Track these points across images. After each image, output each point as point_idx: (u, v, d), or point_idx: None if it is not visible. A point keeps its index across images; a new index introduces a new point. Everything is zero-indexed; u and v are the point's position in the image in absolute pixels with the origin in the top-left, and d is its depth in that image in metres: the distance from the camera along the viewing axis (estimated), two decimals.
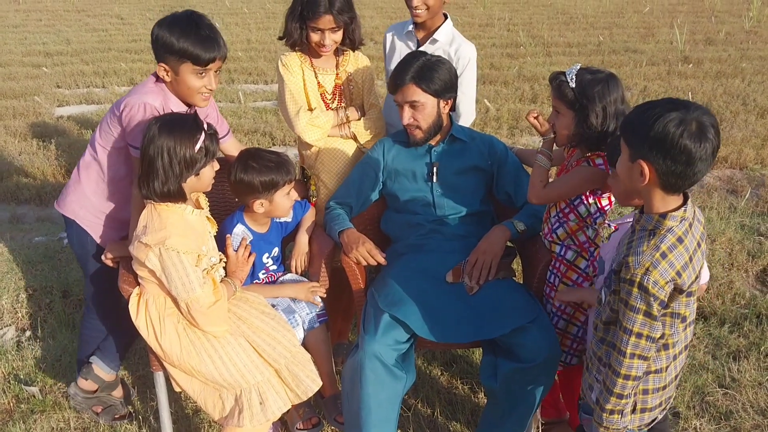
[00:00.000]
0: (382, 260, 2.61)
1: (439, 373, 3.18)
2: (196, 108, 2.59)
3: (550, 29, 11.59)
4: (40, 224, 4.65)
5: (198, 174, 2.32)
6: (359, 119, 3.01)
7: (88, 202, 2.68)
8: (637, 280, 1.76)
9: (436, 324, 2.41)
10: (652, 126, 1.71)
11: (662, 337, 1.86)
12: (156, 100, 2.46)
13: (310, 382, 2.46)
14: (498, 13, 13.23)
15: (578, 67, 2.39)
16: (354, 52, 3.02)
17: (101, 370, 2.84)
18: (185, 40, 2.40)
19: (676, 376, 1.99)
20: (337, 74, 3.00)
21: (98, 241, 2.71)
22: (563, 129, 2.41)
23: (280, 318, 2.53)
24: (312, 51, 2.93)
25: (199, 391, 2.43)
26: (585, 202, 2.44)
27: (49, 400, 2.99)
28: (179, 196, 2.30)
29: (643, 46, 10.16)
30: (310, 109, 2.94)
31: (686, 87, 7.75)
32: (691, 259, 1.80)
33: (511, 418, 2.44)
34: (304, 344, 2.58)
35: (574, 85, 2.35)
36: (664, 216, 1.80)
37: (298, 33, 2.85)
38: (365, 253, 2.60)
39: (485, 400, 2.98)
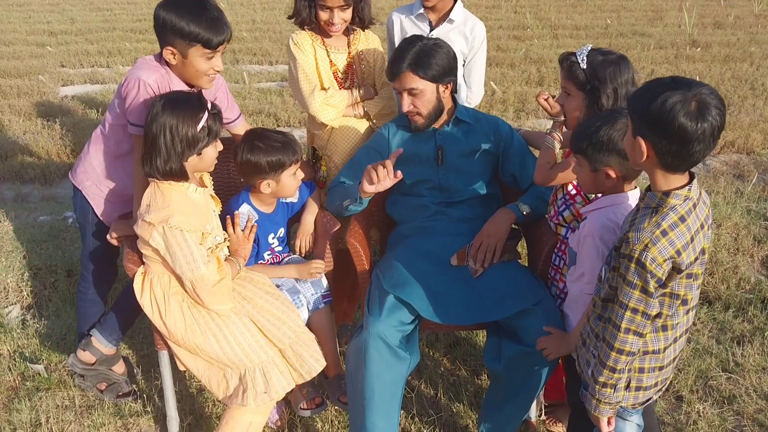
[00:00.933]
0: (394, 174, 2.50)
1: (442, 355, 3.19)
2: (201, 89, 2.58)
3: (558, 11, 11.50)
4: (44, 203, 4.66)
5: (200, 153, 2.31)
6: (372, 98, 3.00)
7: (94, 174, 2.71)
8: (636, 255, 1.75)
9: (440, 306, 2.40)
10: (651, 104, 1.69)
11: (660, 316, 1.86)
12: (150, 77, 2.44)
13: (314, 362, 2.46)
14: None
15: (589, 48, 2.36)
16: (364, 31, 2.99)
17: (100, 343, 2.86)
18: (196, 24, 2.37)
19: (674, 359, 1.99)
20: (349, 53, 2.97)
21: (98, 213, 2.74)
22: (573, 111, 2.38)
23: (285, 298, 2.52)
24: (322, 30, 2.91)
25: (204, 370, 2.44)
26: None
27: (54, 377, 3.01)
28: (181, 175, 2.30)
29: (651, 29, 10.07)
30: (323, 89, 2.92)
31: (694, 71, 7.69)
32: (692, 239, 1.79)
33: (514, 401, 2.45)
34: (309, 325, 2.58)
35: (585, 66, 2.32)
36: (667, 194, 1.79)
37: (306, 11, 2.82)
38: (382, 170, 2.49)
39: (488, 383, 2.99)
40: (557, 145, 2.49)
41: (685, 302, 1.86)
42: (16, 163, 5.28)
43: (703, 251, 1.84)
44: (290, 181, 2.63)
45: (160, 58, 2.52)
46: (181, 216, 2.25)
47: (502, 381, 2.43)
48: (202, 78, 2.50)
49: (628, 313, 1.82)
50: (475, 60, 3.09)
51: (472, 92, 3.15)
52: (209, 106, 2.30)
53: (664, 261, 1.75)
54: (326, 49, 2.93)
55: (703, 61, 8.26)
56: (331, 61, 2.94)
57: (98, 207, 2.74)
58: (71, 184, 2.80)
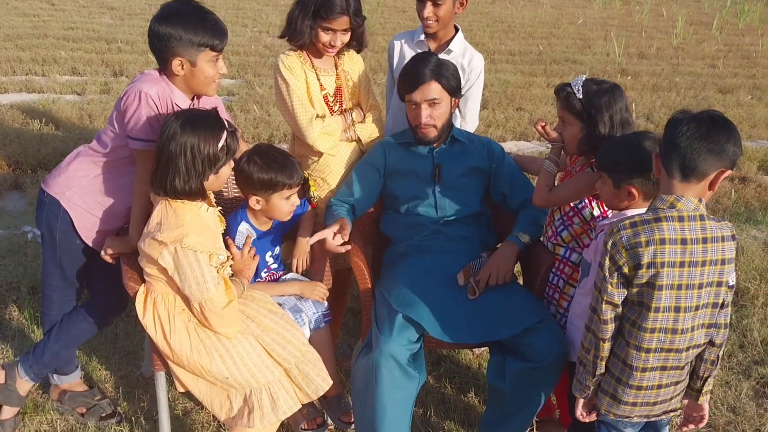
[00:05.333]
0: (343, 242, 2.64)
1: (427, 374, 3.20)
2: (203, 101, 2.56)
3: (491, 37, 11.82)
4: None
5: (218, 172, 2.28)
6: (363, 121, 3.00)
7: (78, 186, 2.56)
8: (606, 239, 1.98)
9: (448, 324, 2.44)
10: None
11: (627, 320, 1.99)
12: (152, 89, 2.39)
13: (320, 381, 2.45)
14: None
15: (584, 78, 2.49)
16: (358, 53, 3.01)
17: (23, 373, 2.72)
18: (203, 30, 2.37)
19: (657, 386, 2.05)
20: (337, 75, 2.97)
21: (76, 224, 2.57)
22: (572, 138, 2.49)
23: (288, 317, 2.50)
24: (314, 51, 2.90)
25: (206, 391, 2.39)
26: (588, 205, 2.53)
27: (28, 402, 2.85)
28: (200, 194, 2.26)
29: (582, 56, 10.50)
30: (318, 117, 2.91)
31: (629, 99, 8.06)
32: (664, 241, 1.88)
33: (515, 418, 2.51)
34: (310, 343, 2.56)
35: (581, 96, 2.45)
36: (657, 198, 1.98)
37: (308, 33, 2.80)
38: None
39: (475, 399, 3.04)
40: (555, 169, 2.59)
41: (656, 309, 1.94)
42: None
43: (692, 274, 1.93)
44: (282, 205, 2.59)
45: (160, 72, 2.48)
46: (194, 236, 2.21)
47: (505, 398, 2.48)
48: (210, 85, 2.48)
49: (595, 293, 2.03)
50: (471, 92, 3.14)
51: (466, 123, 3.20)
52: (227, 124, 2.28)
53: (624, 248, 1.92)
54: (316, 72, 2.90)
55: (633, 89, 8.68)
56: (321, 85, 2.92)
57: (78, 218, 2.57)
58: (39, 196, 2.62)
